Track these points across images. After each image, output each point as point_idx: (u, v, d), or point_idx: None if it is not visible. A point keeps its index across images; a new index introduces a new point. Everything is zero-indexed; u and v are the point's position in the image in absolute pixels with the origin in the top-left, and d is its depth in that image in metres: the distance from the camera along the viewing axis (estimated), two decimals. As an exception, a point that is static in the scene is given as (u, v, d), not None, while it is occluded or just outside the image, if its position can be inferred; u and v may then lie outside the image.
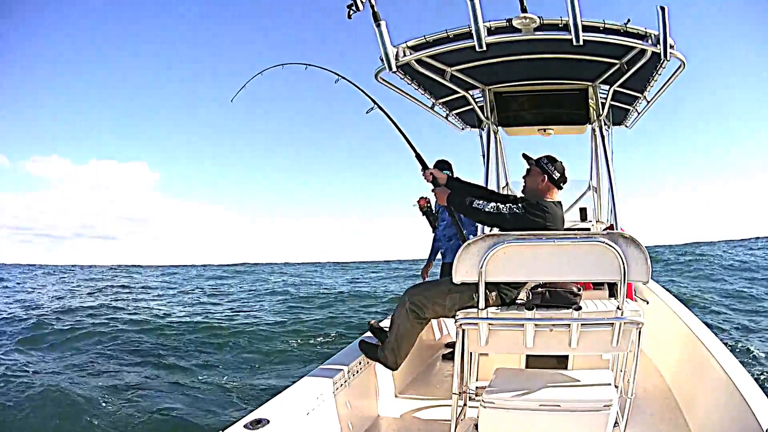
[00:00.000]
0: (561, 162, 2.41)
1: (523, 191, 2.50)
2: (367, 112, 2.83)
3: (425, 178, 2.70)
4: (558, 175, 2.38)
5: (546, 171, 2.39)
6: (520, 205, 2.33)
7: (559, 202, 2.42)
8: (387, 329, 2.66)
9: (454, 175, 3.50)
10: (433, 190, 2.66)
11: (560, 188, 2.42)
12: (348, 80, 2.87)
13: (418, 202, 3.28)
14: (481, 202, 2.34)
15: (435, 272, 4.23)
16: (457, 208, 2.49)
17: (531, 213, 2.26)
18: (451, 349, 3.78)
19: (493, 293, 2.20)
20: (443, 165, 3.85)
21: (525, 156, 2.48)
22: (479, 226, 3.42)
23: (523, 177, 2.50)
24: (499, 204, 2.32)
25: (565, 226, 2.48)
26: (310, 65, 2.98)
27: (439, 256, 4.22)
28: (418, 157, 2.77)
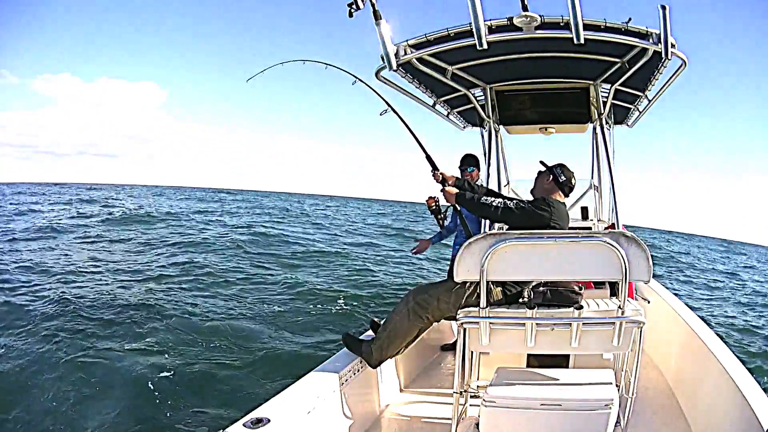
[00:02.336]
0: (572, 172, 2.51)
1: (531, 192, 2.59)
2: (381, 114, 2.96)
3: (435, 179, 2.81)
4: (563, 178, 2.47)
5: (553, 173, 2.48)
6: (525, 200, 2.46)
7: (564, 203, 2.49)
8: None
9: (480, 169, 3.82)
10: (442, 190, 2.71)
11: (565, 193, 2.50)
12: (365, 83, 2.98)
13: (427, 201, 3.35)
14: (488, 198, 2.44)
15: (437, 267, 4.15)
16: (466, 205, 2.56)
17: (537, 207, 2.34)
18: (450, 342, 3.79)
19: (498, 288, 2.23)
20: (471, 161, 3.82)
21: (541, 162, 2.58)
22: (482, 225, 3.43)
23: (534, 179, 2.58)
24: (505, 200, 2.42)
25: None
26: (330, 65, 3.08)
27: (448, 250, 4.13)
28: (429, 158, 2.88)
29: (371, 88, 2.97)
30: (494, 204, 2.37)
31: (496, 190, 3.78)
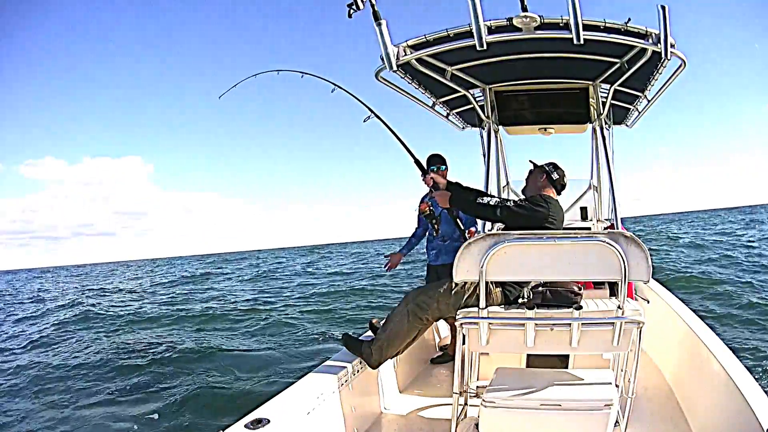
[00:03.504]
0: (563, 170, 2.52)
1: (523, 191, 2.59)
2: (364, 121, 2.88)
3: (426, 183, 2.80)
4: (556, 176, 2.48)
5: (546, 171, 2.48)
6: (521, 198, 2.47)
7: (557, 201, 2.49)
8: None
9: (449, 168, 3.49)
10: (434, 195, 2.70)
11: (557, 191, 2.51)
12: (344, 90, 2.91)
13: (420, 206, 3.27)
14: (485, 198, 2.42)
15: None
16: (462, 207, 2.55)
17: (534, 203, 2.35)
18: (441, 353, 3.73)
19: (498, 289, 2.24)
20: (437, 160, 3.51)
21: (531, 162, 2.58)
22: (478, 226, 3.43)
23: (526, 179, 2.58)
24: (500, 199, 2.42)
25: (565, 225, 2.50)
26: (306, 73, 3.00)
27: (425, 256, 3.85)
28: (417, 163, 2.86)
29: (351, 94, 2.91)
30: (491, 203, 2.35)
31: (494, 191, 3.78)
